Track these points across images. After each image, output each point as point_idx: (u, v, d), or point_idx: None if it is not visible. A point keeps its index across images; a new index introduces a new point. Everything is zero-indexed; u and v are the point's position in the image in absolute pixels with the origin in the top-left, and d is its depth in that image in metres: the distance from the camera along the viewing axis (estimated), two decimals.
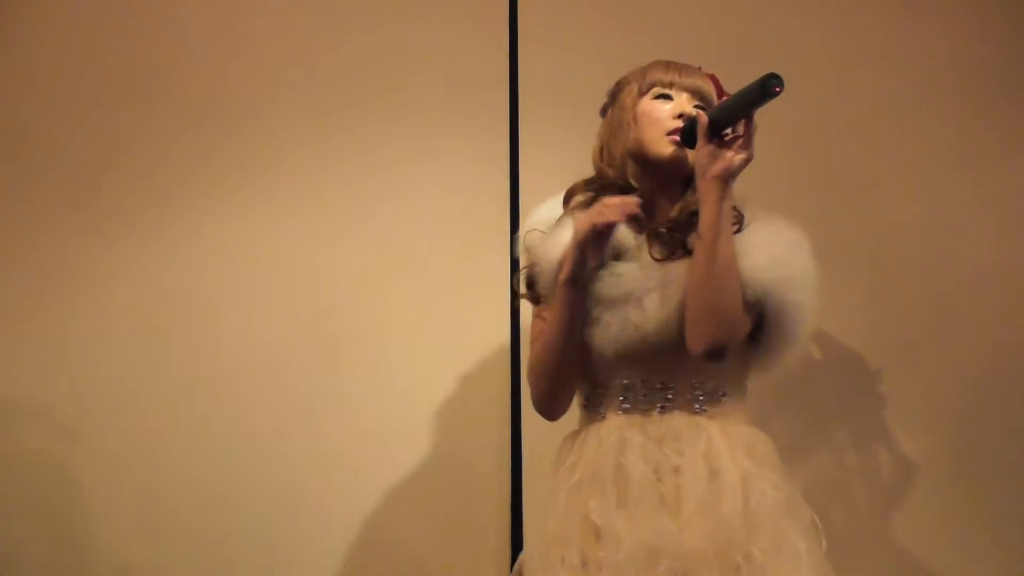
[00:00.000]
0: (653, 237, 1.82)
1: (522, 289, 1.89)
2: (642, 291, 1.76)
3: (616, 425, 1.78)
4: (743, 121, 1.72)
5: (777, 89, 1.67)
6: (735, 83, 2.60)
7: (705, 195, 1.72)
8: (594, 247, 1.75)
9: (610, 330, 1.76)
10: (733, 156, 1.72)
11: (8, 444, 2.44)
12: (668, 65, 1.89)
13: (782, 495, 1.73)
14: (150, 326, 2.50)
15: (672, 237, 1.82)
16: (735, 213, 1.80)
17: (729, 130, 1.74)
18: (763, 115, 2.59)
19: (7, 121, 2.62)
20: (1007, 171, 2.56)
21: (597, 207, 1.75)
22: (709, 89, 1.89)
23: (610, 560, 1.67)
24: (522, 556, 1.84)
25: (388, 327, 2.49)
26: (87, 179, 2.59)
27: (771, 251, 1.77)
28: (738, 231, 1.79)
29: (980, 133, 2.58)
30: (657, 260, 1.80)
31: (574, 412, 1.89)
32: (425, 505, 2.41)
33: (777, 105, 2.56)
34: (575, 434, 1.86)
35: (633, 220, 1.78)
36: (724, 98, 1.88)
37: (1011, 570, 2.34)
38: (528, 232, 1.91)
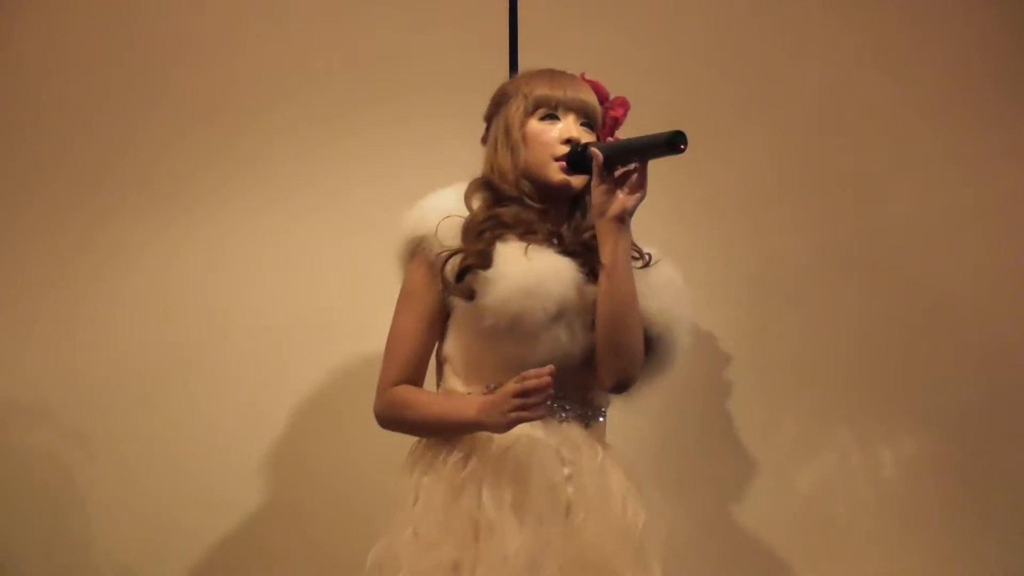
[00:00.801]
0: (573, 251, 1.84)
1: (449, 277, 1.80)
2: (573, 313, 1.78)
3: (520, 427, 1.73)
4: (640, 166, 1.75)
5: (682, 147, 1.71)
6: (736, 82, 2.64)
7: (605, 236, 1.76)
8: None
9: (538, 347, 1.76)
10: (628, 197, 1.75)
11: (8, 444, 2.45)
12: (552, 79, 1.90)
13: (648, 519, 1.78)
14: (151, 326, 2.50)
15: (588, 258, 1.83)
16: (638, 251, 1.85)
17: (619, 167, 1.76)
18: (763, 115, 2.60)
19: (7, 122, 2.63)
20: (1007, 171, 2.55)
21: (511, 403, 1.67)
22: (594, 102, 1.91)
23: (489, 558, 1.67)
24: (376, 553, 1.79)
25: (386, 324, 2.48)
26: (89, 179, 2.59)
27: (671, 291, 1.86)
28: (644, 266, 1.85)
29: (979, 133, 2.58)
30: (583, 275, 1.81)
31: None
32: None
33: (776, 105, 2.59)
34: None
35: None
36: (615, 139, 1.92)
37: (1013, 569, 2.33)
38: (448, 218, 1.84)
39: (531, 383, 1.65)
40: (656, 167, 1.77)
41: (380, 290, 2.51)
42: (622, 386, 1.80)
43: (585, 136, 1.87)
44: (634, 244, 1.84)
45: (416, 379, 1.87)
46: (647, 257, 1.88)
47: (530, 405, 1.66)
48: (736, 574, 2.42)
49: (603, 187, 1.75)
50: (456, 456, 1.77)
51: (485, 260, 1.77)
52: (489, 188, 1.89)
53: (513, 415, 1.67)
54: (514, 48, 2.61)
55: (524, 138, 1.87)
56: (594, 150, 1.78)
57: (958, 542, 2.36)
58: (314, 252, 2.55)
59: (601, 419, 1.88)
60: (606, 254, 1.76)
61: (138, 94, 2.63)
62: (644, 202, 1.77)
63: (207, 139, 2.60)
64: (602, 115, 1.94)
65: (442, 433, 1.80)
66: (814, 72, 2.60)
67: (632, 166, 1.75)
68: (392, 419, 1.87)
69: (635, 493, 1.79)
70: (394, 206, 2.55)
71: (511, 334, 1.76)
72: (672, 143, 1.70)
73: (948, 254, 2.51)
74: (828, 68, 2.61)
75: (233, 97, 2.62)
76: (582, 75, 1.95)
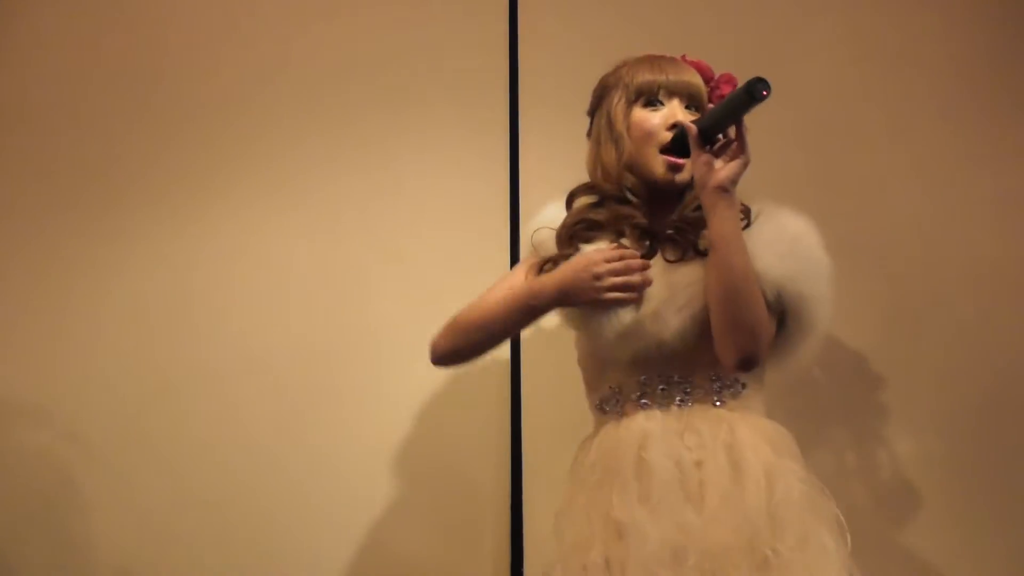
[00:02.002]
0: (664, 240, 1.80)
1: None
2: (658, 300, 1.74)
3: (635, 420, 1.75)
4: (737, 128, 1.70)
5: (764, 93, 1.65)
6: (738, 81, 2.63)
7: (710, 208, 1.70)
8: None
9: (627, 340, 1.74)
10: (728, 165, 1.70)
11: (8, 444, 2.44)
12: (652, 64, 1.85)
13: (807, 489, 1.70)
14: (150, 326, 2.50)
15: (683, 238, 1.80)
16: (741, 209, 1.78)
17: (720, 136, 1.72)
18: (762, 115, 2.60)
19: (6, 123, 2.62)
20: (1008, 170, 2.56)
21: (608, 281, 1.73)
22: (698, 83, 1.86)
23: (635, 557, 1.63)
24: (545, 567, 1.79)
25: (386, 327, 2.49)
26: (89, 179, 2.59)
27: (778, 247, 1.75)
28: (746, 227, 1.77)
29: (981, 132, 2.58)
30: (670, 262, 1.78)
31: (587, 415, 1.90)
32: (423, 508, 2.41)
33: (777, 105, 2.57)
34: (592, 436, 1.84)
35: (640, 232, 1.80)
36: (711, 105, 1.86)
37: (1012, 569, 2.33)
38: (537, 230, 1.90)
39: (617, 264, 1.71)
40: None
41: (379, 290, 2.53)
42: (746, 363, 1.71)
43: (691, 119, 1.80)
44: (743, 206, 1.78)
45: None
46: (751, 215, 1.80)
47: (620, 285, 1.70)
48: None
49: (702, 160, 1.70)
50: (590, 460, 1.77)
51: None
52: (592, 190, 1.87)
53: (609, 296, 1.71)
54: (514, 48, 2.60)
55: (628, 129, 1.82)
56: (687, 123, 1.73)
57: (957, 542, 2.36)
58: (314, 252, 2.54)
59: (743, 393, 1.78)
60: (712, 228, 1.70)
61: (130, 95, 2.63)
62: None
63: (203, 138, 2.60)
64: (708, 95, 1.87)
65: (513, 322, 1.84)
66: (817, 71, 2.60)
67: (729, 135, 1.70)
68: (449, 337, 1.88)
69: (782, 466, 1.70)
70: (394, 206, 2.58)
71: (596, 339, 1.78)
72: (751, 92, 1.63)
73: (949, 253, 2.51)
74: (831, 66, 2.61)
75: (229, 96, 2.62)
76: (683, 56, 1.89)
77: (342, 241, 2.53)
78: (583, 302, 1.76)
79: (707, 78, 1.89)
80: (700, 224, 1.77)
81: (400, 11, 2.64)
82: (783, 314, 1.77)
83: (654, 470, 1.67)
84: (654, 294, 1.74)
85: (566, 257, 1.81)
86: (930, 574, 2.36)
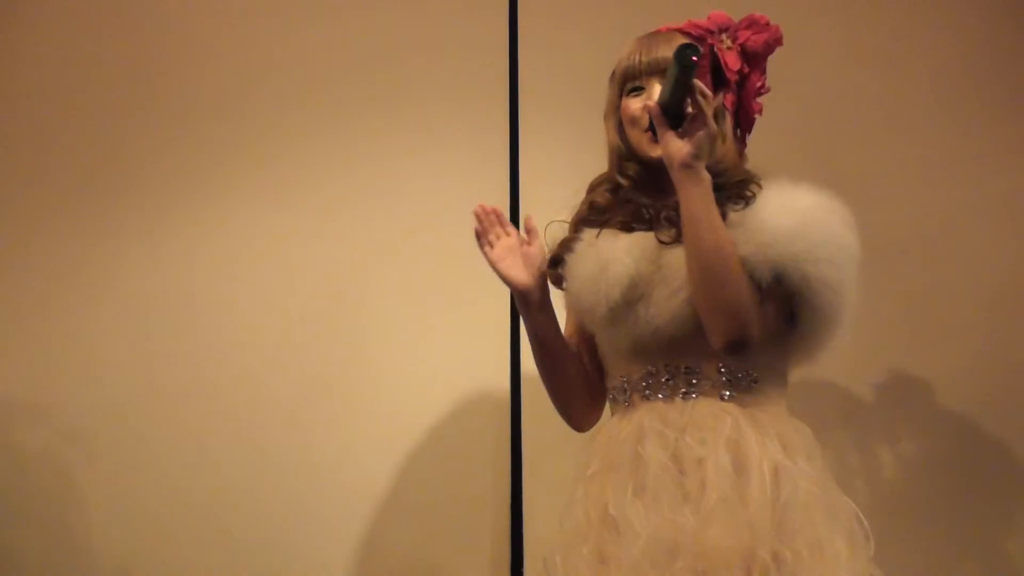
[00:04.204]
0: (660, 221, 1.75)
1: (547, 270, 1.84)
2: (650, 283, 1.69)
3: (637, 412, 1.69)
4: (690, 99, 1.61)
5: (694, 59, 1.55)
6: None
7: (678, 186, 1.63)
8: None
9: (621, 326, 1.70)
10: (689, 139, 1.60)
11: (8, 444, 2.44)
12: (633, 48, 1.81)
13: (818, 490, 1.60)
14: (150, 326, 2.50)
15: (677, 217, 1.70)
16: (751, 187, 1.72)
17: (682, 114, 1.63)
18: (762, 115, 2.60)
19: (7, 122, 2.62)
20: (1009, 170, 2.55)
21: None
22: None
23: (625, 555, 1.57)
24: (546, 554, 1.72)
25: (387, 326, 2.49)
26: (89, 179, 2.59)
27: (781, 223, 1.64)
28: (744, 207, 1.69)
29: (981, 132, 2.57)
30: (664, 244, 1.72)
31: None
32: (423, 508, 2.40)
33: (777, 104, 2.58)
34: (600, 426, 1.83)
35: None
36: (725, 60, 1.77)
37: (1013, 570, 2.33)
38: (551, 223, 1.87)
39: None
40: None
41: (379, 289, 2.52)
42: (733, 347, 1.63)
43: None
44: (747, 182, 1.73)
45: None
46: (750, 194, 1.72)
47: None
48: None
49: (666, 137, 1.62)
50: (591, 450, 1.73)
51: (564, 248, 1.80)
52: (608, 180, 1.84)
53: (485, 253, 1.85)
54: (514, 48, 2.60)
55: (621, 120, 1.81)
56: (647, 104, 1.68)
57: (958, 542, 2.35)
58: (314, 252, 2.54)
59: (756, 387, 1.69)
60: (681, 206, 1.63)
61: (131, 94, 2.63)
62: None
63: (205, 138, 2.60)
64: (703, 53, 1.70)
65: (530, 336, 1.85)
66: (817, 71, 2.59)
67: (690, 110, 1.61)
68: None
69: (791, 466, 1.60)
70: (394, 206, 2.58)
71: (596, 325, 1.76)
72: (680, 60, 1.56)
73: (951, 252, 2.51)
74: (829, 66, 2.61)
75: (230, 96, 2.62)
76: (687, 22, 1.81)
77: (342, 241, 2.53)
78: (502, 278, 1.82)
79: (711, 29, 1.78)
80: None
81: (400, 11, 2.64)
82: (794, 302, 1.66)
83: (649, 465, 1.61)
84: (646, 277, 1.69)
85: (562, 244, 1.82)
86: (931, 573, 2.35)
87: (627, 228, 1.77)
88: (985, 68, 2.61)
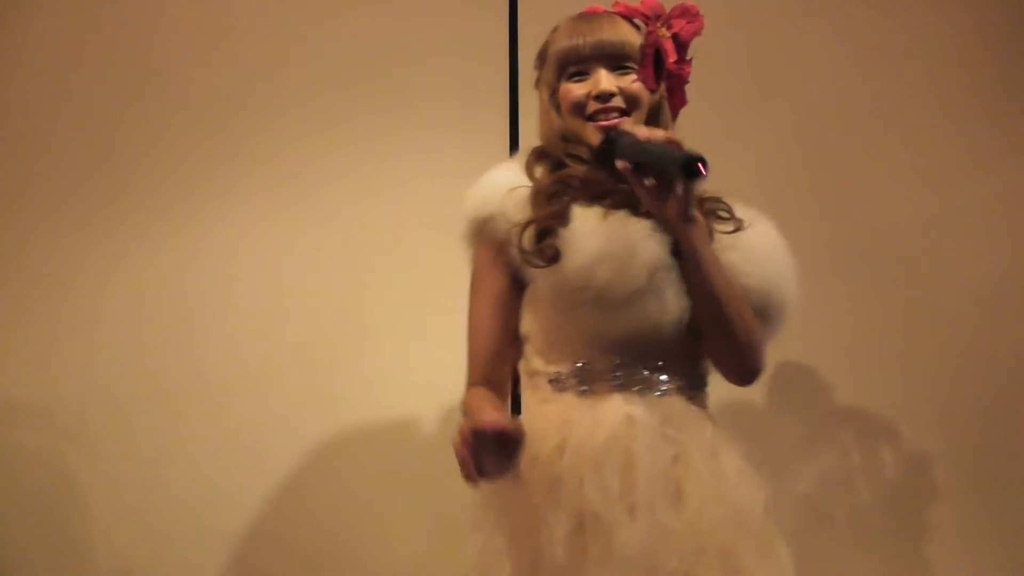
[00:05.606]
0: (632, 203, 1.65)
1: (526, 245, 1.63)
2: (664, 281, 1.60)
3: (615, 404, 1.60)
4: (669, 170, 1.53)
5: (703, 174, 1.47)
6: (739, 81, 2.62)
7: (677, 235, 1.60)
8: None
9: (623, 316, 1.59)
10: (677, 197, 1.54)
11: (8, 444, 2.45)
12: (572, 27, 1.72)
13: (765, 497, 1.62)
14: (150, 326, 2.51)
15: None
16: (729, 215, 1.71)
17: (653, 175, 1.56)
18: (763, 114, 2.60)
19: (7, 122, 2.63)
20: (1009, 170, 2.55)
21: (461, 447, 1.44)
22: (621, 39, 1.70)
23: (601, 556, 1.50)
24: (474, 557, 1.65)
25: (385, 326, 2.49)
26: (89, 179, 2.60)
27: (764, 248, 1.69)
28: (732, 227, 1.69)
29: (981, 132, 2.58)
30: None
31: None
32: (423, 508, 2.40)
33: (777, 104, 2.59)
34: (540, 412, 1.65)
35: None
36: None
37: (1015, 569, 2.32)
38: (514, 190, 1.69)
39: (466, 438, 1.42)
40: None
41: (378, 288, 2.52)
42: (753, 377, 1.66)
43: (620, 82, 1.69)
44: (722, 203, 1.70)
45: (496, 376, 1.71)
46: (738, 220, 1.70)
47: (464, 459, 1.43)
48: None
49: (643, 191, 1.57)
50: (550, 446, 1.58)
51: (563, 219, 1.62)
52: (548, 155, 1.74)
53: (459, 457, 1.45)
54: (514, 48, 2.60)
55: (559, 104, 1.73)
56: (622, 165, 1.56)
57: (959, 542, 2.35)
58: (313, 252, 2.54)
59: (705, 390, 1.69)
60: (684, 250, 1.60)
61: (131, 95, 2.63)
62: None
63: (203, 138, 2.60)
64: (647, 42, 1.70)
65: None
66: (819, 70, 2.60)
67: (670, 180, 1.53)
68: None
69: (749, 470, 1.61)
70: (394, 206, 2.58)
71: (594, 305, 1.59)
72: (688, 167, 1.47)
73: (951, 252, 2.51)
74: (832, 66, 2.61)
75: (229, 95, 2.62)
76: (615, 4, 1.74)
77: (341, 240, 2.53)
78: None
79: (644, 19, 1.72)
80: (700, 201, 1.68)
81: (400, 11, 2.64)
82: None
83: (640, 463, 1.54)
84: (662, 274, 1.60)
85: (553, 215, 1.63)
86: (933, 572, 2.35)
87: (592, 204, 1.66)
88: (985, 68, 2.61)
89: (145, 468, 2.43)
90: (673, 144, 1.53)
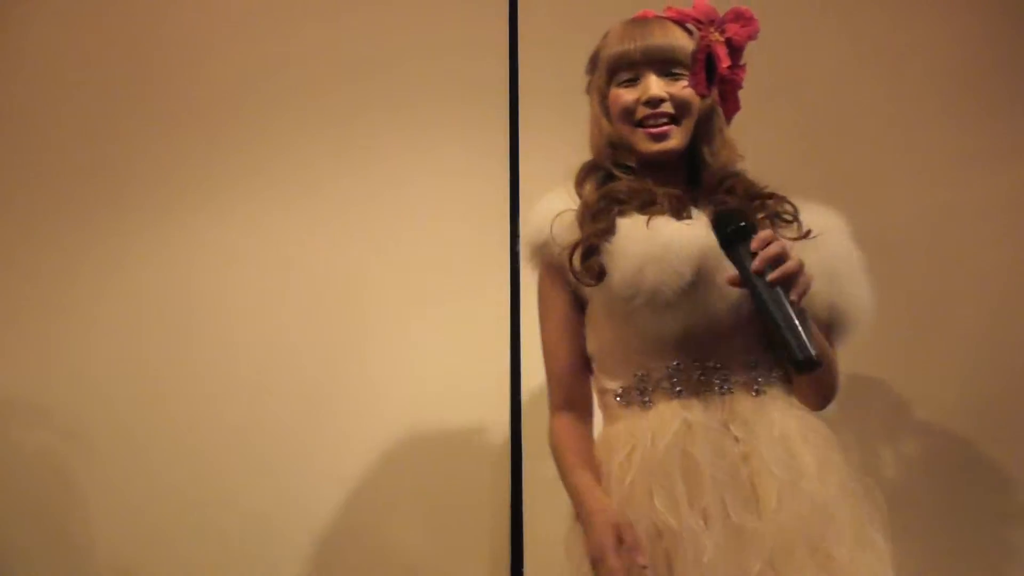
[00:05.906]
0: (706, 206, 1.67)
1: (576, 266, 1.65)
2: (712, 269, 1.58)
3: (670, 410, 1.60)
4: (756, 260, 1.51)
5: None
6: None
7: None
8: None
9: (678, 311, 1.58)
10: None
11: (8, 444, 2.45)
12: (624, 32, 1.74)
13: (860, 486, 1.61)
14: (149, 326, 2.51)
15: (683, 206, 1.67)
16: (793, 217, 1.70)
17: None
18: (763, 113, 2.60)
19: (7, 122, 2.63)
20: (1009, 169, 2.55)
21: (607, 562, 1.50)
22: (672, 43, 1.71)
23: (684, 566, 1.48)
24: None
25: (386, 326, 2.49)
26: (90, 179, 2.61)
27: (834, 259, 1.67)
28: (797, 230, 1.67)
29: (982, 131, 2.58)
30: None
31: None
32: (424, 509, 2.41)
33: (778, 103, 2.59)
34: (611, 431, 1.67)
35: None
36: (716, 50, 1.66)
37: (1014, 569, 2.32)
38: (560, 215, 1.70)
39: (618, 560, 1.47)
40: None
41: (378, 288, 2.52)
42: (826, 405, 1.70)
43: (670, 88, 1.69)
44: (787, 203, 1.70)
45: (578, 396, 1.72)
46: (789, 215, 1.69)
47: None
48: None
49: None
50: (620, 456, 1.60)
51: (609, 234, 1.62)
52: (597, 168, 1.75)
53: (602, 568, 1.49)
54: (514, 48, 2.61)
55: (608, 110, 1.74)
56: (729, 278, 1.52)
57: (960, 541, 2.35)
58: (314, 252, 2.55)
59: (776, 383, 1.65)
60: None
61: (131, 94, 2.65)
62: None
63: (205, 137, 2.61)
64: (698, 47, 1.69)
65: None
66: (816, 70, 2.59)
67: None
68: (552, 452, 1.71)
69: (834, 459, 1.60)
70: (394, 206, 2.58)
71: (647, 309, 1.58)
72: (799, 365, 1.43)
73: (952, 252, 2.51)
74: (831, 66, 2.61)
75: (230, 95, 2.63)
76: (667, 8, 1.74)
77: (342, 240, 2.54)
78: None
79: (696, 24, 1.72)
80: (748, 192, 1.70)
81: (400, 11, 2.65)
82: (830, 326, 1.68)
83: (702, 467, 1.53)
84: (711, 268, 1.58)
85: (598, 232, 1.64)
86: (932, 572, 2.35)
87: (641, 213, 1.67)
88: (985, 68, 2.61)
89: (143, 467, 2.43)
90: (803, 317, 1.47)
